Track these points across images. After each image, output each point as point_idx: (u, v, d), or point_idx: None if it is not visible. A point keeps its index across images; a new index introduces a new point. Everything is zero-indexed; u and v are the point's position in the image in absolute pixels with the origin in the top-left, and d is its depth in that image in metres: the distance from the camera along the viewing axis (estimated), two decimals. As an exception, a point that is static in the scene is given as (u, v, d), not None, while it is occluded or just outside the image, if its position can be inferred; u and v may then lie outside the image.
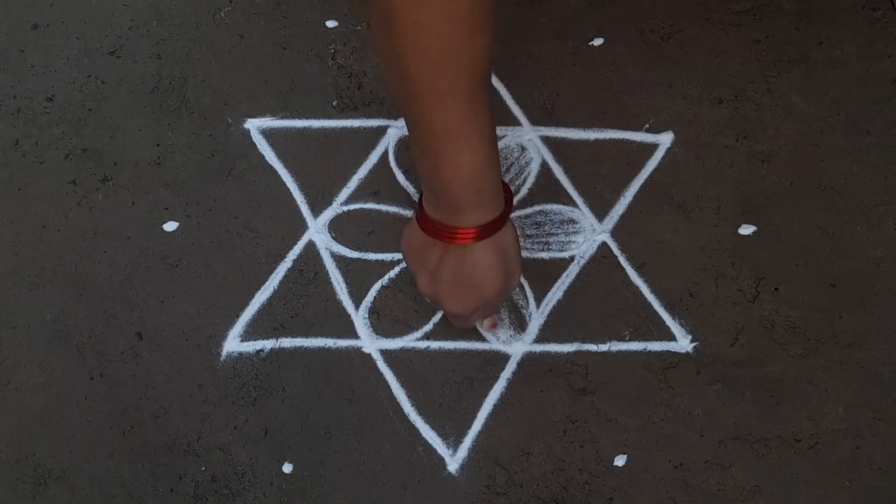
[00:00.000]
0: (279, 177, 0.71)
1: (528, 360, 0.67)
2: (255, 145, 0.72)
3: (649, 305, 0.68)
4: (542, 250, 0.69)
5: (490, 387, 0.67)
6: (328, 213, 0.71)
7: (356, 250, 0.70)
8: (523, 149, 0.71)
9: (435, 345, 0.68)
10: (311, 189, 0.71)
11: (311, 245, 0.70)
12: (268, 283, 0.69)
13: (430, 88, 0.42)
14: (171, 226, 0.70)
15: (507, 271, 0.54)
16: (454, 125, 0.44)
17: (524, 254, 0.69)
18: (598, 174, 0.71)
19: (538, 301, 0.68)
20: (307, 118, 0.73)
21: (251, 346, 0.68)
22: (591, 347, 0.68)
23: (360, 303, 0.69)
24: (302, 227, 0.70)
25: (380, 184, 0.71)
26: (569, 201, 0.71)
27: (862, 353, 0.67)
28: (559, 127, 0.72)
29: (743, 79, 0.73)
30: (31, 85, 0.73)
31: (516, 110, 0.72)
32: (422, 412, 0.66)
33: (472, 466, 0.65)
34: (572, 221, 0.70)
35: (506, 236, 0.52)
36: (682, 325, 0.68)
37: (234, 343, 0.68)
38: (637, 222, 0.70)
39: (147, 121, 0.72)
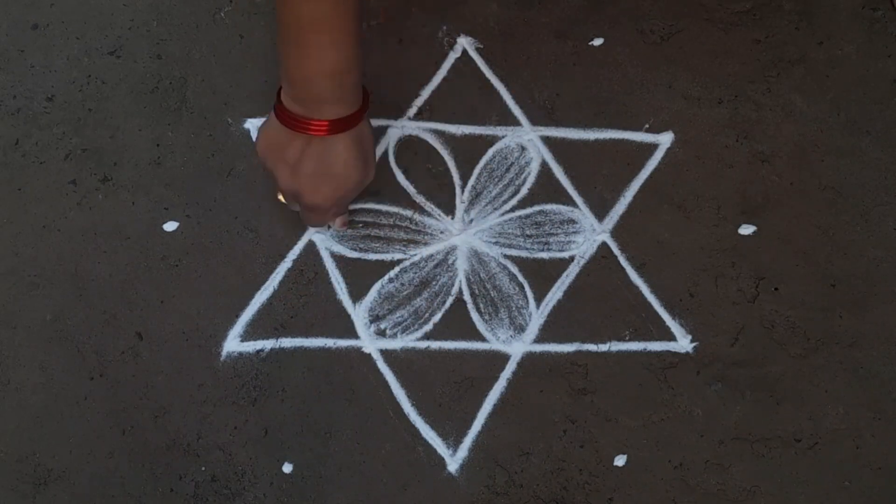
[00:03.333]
0: (279, 177, 0.71)
1: (528, 360, 0.67)
2: (255, 145, 0.72)
3: (649, 305, 0.68)
4: (542, 250, 0.69)
5: (490, 387, 0.67)
6: (328, 213, 0.71)
7: (356, 250, 0.70)
8: (523, 149, 0.71)
9: (435, 345, 0.68)
10: (311, 189, 0.71)
11: (311, 245, 0.70)
12: (268, 283, 0.69)
13: None
14: (171, 226, 0.70)
15: (365, 163, 0.57)
16: (321, 18, 0.47)
17: (524, 254, 0.69)
18: (598, 174, 0.71)
19: (538, 301, 0.68)
20: (307, 118, 0.73)
21: (251, 346, 0.68)
22: (591, 347, 0.68)
23: (360, 303, 0.69)
24: (302, 226, 0.70)
25: (380, 184, 0.70)
26: (569, 201, 0.71)
27: (862, 353, 0.67)
28: (559, 127, 0.72)
29: (743, 79, 0.73)
30: (31, 85, 0.73)
31: (516, 110, 0.72)
32: (422, 412, 0.67)
33: (472, 466, 0.65)
34: (572, 221, 0.70)
35: (363, 130, 0.56)
36: (682, 325, 0.68)
37: (234, 343, 0.68)
38: (637, 222, 0.70)
39: (147, 121, 0.72)
